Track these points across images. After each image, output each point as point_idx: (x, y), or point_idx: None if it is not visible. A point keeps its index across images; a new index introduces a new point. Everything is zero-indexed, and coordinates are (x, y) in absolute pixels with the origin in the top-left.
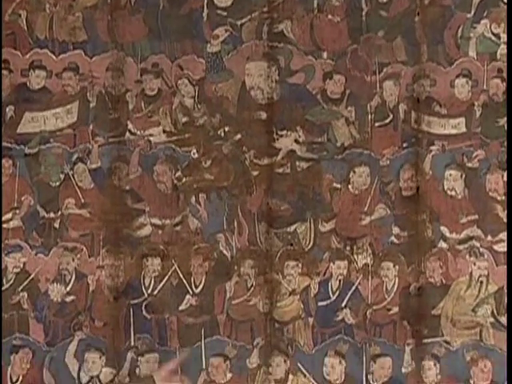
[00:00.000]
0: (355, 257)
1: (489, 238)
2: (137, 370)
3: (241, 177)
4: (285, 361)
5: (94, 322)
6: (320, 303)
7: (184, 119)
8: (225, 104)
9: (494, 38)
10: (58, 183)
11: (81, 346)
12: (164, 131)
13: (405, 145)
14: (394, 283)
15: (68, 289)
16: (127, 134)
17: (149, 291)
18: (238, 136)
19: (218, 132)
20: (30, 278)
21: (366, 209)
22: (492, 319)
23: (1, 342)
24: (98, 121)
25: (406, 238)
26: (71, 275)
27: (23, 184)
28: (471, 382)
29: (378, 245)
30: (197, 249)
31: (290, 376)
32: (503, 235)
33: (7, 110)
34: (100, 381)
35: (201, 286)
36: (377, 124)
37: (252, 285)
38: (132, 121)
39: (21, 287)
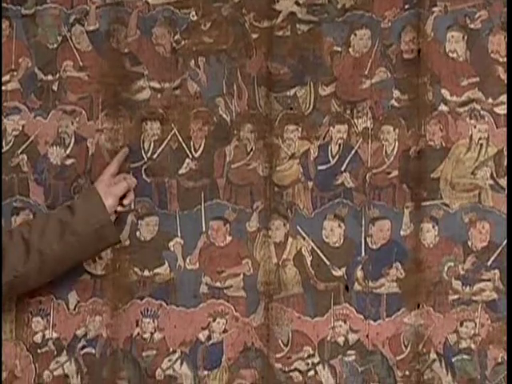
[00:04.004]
0: (355, 120)
1: (489, 100)
2: (137, 233)
3: (240, 40)
4: (284, 224)
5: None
6: (319, 167)
7: None
8: None
9: None
10: (55, 45)
11: None
12: None
13: (406, 6)
14: (394, 147)
15: (68, 152)
16: None
17: (148, 155)
18: None
19: None
20: (30, 140)
21: (366, 72)
22: (491, 181)
23: (1, 204)
24: None
25: (407, 102)
26: (70, 138)
27: (20, 46)
28: (469, 243)
29: (378, 108)
30: (196, 113)
31: (290, 239)
32: (504, 97)
33: None
34: None
35: (200, 150)
36: None
37: (251, 149)
38: None
39: (20, 150)
